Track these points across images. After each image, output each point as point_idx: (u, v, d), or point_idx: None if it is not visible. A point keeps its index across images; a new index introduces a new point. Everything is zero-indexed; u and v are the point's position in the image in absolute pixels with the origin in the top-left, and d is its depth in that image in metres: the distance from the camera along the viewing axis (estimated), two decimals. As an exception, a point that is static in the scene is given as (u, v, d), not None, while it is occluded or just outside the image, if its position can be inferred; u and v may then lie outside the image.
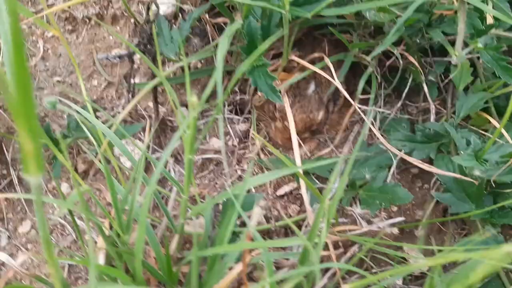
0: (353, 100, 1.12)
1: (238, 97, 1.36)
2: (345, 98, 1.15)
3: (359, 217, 1.07)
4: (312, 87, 1.23)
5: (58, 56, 1.42)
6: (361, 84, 1.14)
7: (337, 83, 1.08)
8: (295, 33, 1.14)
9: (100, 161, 0.92)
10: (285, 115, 1.22)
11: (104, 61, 1.32)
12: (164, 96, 1.33)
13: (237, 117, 1.38)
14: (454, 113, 1.20)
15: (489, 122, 1.16)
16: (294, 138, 1.16)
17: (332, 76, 1.12)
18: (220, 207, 1.06)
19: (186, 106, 1.38)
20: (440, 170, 1.05)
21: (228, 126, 1.37)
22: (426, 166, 1.04)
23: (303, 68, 1.18)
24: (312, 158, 1.27)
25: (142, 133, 1.30)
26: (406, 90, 1.24)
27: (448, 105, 1.26)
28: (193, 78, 1.27)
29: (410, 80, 1.25)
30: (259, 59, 1.04)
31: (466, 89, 1.20)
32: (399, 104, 1.25)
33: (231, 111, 1.38)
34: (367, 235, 1.05)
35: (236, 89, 1.36)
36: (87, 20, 1.45)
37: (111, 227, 0.93)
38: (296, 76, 1.14)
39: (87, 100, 1.11)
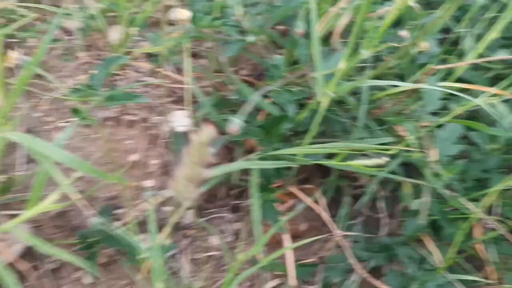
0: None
1: (232, 202, 1.64)
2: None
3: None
4: (301, 205, 1.55)
5: (73, 149, 1.61)
6: (342, 213, 1.47)
7: (324, 215, 1.40)
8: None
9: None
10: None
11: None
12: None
13: (230, 215, 1.66)
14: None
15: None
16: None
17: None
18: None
19: (193, 207, 1.64)
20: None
21: (226, 224, 1.64)
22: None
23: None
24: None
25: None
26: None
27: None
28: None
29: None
30: (270, 195, 1.34)
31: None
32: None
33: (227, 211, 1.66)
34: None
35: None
36: (106, 121, 1.66)
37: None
38: (294, 206, 1.45)
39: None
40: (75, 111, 1.07)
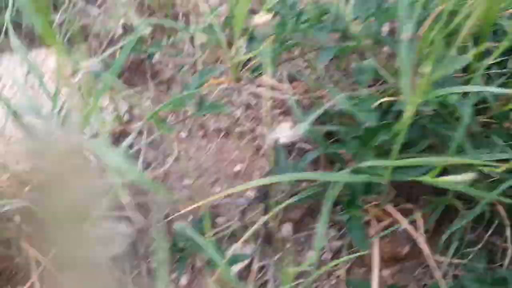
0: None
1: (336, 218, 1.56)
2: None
3: None
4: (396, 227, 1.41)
5: (189, 159, 1.74)
6: (444, 238, 1.29)
7: (420, 240, 1.24)
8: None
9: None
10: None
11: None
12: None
13: (333, 232, 1.59)
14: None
15: None
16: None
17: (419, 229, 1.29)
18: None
19: (292, 220, 1.63)
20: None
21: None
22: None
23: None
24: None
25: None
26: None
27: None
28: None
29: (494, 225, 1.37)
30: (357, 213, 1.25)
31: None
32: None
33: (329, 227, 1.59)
34: None
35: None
36: (218, 131, 1.75)
37: None
38: (387, 227, 1.32)
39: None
40: (156, 122, 1.17)
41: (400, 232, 1.40)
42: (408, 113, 1.12)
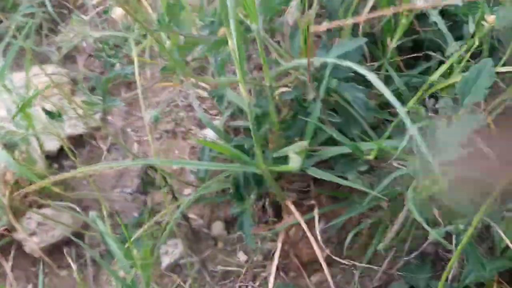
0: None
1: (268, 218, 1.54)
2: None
3: None
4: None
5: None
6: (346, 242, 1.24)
7: (313, 242, 1.20)
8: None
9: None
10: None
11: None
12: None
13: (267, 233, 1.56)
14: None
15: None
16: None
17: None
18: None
19: (224, 220, 1.61)
20: None
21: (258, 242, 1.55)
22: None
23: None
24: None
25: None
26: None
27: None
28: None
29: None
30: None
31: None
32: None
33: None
34: None
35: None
36: (166, 132, 1.78)
37: None
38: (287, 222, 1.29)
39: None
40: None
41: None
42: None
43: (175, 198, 1.44)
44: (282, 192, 1.31)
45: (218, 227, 1.58)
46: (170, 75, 1.67)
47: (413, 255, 1.24)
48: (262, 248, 1.54)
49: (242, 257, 1.54)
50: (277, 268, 1.50)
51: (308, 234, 1.19)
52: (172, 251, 1.55)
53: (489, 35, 1.14)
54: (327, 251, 1.24)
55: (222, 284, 1.49)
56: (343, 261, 1.31)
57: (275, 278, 1.46)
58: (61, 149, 1.68)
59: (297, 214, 1.22)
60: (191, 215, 1.58)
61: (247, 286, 1.46)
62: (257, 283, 1.46)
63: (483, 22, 1.07)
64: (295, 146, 1.09)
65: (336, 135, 1.13)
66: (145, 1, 1.43)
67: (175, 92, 1.79)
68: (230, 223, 1.63)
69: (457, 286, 1.17)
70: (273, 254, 1.53)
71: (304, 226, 1.20)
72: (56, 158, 1.70)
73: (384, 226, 1.27)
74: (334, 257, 1.27)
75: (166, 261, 1.52)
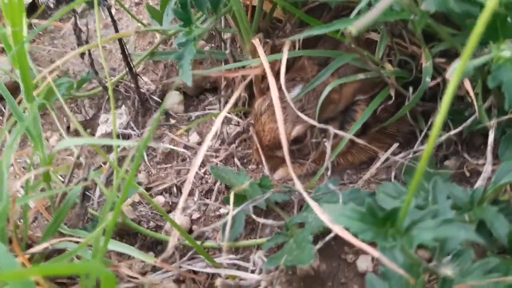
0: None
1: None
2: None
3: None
4: (296, 90, 0.99)
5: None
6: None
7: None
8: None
9: None
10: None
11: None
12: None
13: (234, 118, 1.20)
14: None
15: None
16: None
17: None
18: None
19: (179, 89, 1.26)
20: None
21: (220, 126, 1.20)
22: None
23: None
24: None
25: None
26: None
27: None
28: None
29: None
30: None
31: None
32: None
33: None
34: None
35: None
36: None
37: None
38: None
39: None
40: None
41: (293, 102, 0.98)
42: None
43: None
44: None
45: (173, 99, 1.24)
46: None
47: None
48: (221, 133, 1.19)
49: (194, 138, 1.20)
50: (235, 156, 1.16)
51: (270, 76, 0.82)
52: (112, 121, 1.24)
53: None
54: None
55: (160, 168, 1.16)
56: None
57: (226, 164, 1.12)
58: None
59: (261, 52, 0.85)
60: (144, 78, 1.25)
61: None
62: (203, 170, 1.12)
63: None
64: None
65: None
66: None
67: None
68: (190, 98, 1.29)
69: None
70: (233, 140, 1.18)
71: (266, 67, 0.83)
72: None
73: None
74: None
75: (101, 130, 1.21)
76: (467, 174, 1.01)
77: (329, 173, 0.88)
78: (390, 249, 0.57)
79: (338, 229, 0.63)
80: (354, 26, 0.55)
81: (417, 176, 0.52)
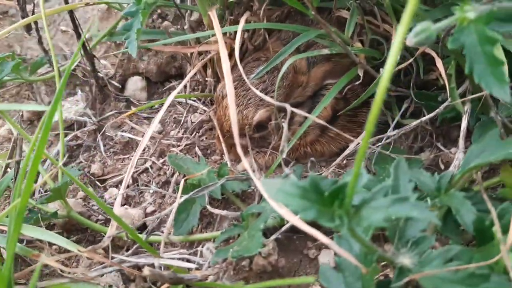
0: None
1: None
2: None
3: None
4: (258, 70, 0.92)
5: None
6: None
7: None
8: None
9: None
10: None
11: None
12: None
13: (201, 106, 1.12)
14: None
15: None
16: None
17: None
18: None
19: (139, 73, 1.18)
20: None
21: (185, 113, 1.12)
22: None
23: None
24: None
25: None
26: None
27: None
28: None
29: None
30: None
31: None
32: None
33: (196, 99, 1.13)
34: None
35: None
36: None
37: None
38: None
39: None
40: None
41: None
42: None
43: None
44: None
45: (135, 85, 1.16)
46: None
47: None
48: (185, 122, 1.11)
49: (155, 127, 1.11)
50: (197, 146, 1.08)
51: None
52: (68, 107, 1.16)
53: None
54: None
55: (117, 159, 1.07)
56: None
57: (188, 154, 1.04)
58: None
59: (217, 24, 0.77)
60: (103, 61, 1.17)
61: (146, 161, 1.04)
62: (161, 161, 1.04)
63: None
64: None
65: None
66: None
67: None
68: (154, 84, 1.21)
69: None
70: (197, 129, 1.10)
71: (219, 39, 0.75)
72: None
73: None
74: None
75: (56, 117, 1.13)
76: (442, 166, 0.94)
77: (283, 155, 0.80)
78: (337, 230, 0.49)
79: (284, 212, 0.55)
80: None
81: (367, 136, 0.44)
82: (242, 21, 0.81)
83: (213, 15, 0.82)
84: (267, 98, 0.83)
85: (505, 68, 0.51)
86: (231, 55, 1.00)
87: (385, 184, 0.51)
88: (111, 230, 0.73)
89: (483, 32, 0.52)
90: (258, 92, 0.84)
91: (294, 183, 0.49)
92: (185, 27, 0.93)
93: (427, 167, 0.97)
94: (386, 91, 0.44)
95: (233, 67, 0.99)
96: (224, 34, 0.91)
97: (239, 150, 0.70)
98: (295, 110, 0.80)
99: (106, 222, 0.97)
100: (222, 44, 0.79)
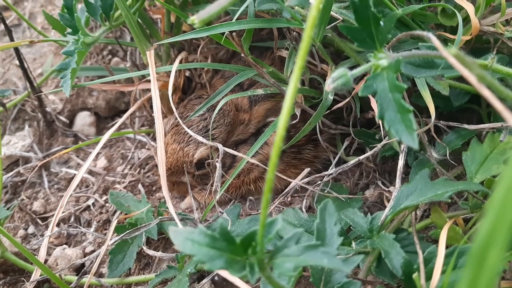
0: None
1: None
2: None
3: None
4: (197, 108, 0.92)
5: None
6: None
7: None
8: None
9: None
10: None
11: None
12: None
13: (148, 141, 1.11)
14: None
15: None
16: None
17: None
18: None
19: (88, 109, 1.17)
20: None
21: (133, 149, 1.11)
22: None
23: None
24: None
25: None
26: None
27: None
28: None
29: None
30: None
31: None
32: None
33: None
34: None
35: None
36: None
37: None
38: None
39: None
40: None
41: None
42: None
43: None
44: None
45: (84, 120, 1.15)
46: None
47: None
48: (132, 157, 1.09)
49: (101, 163, 1.10)
50: (140, 182, 1.06)
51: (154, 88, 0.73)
52: (15, 142, 1.14)
53: None
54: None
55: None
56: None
57: (132, 191, 1.02)
58: None
59: (152, 64, 0.77)
60: (51, 97, 1.16)
61: (88, 198, 1.02)
62: (104, 198, 1.02)
63: None
64: None
65: None
66: None
67: None
68: (104, 119, 1.20)
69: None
70: (142, 165, 1.08)
71: (152, 78, 0.75)
72: None
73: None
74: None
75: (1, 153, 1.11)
76: (386, 204, 0.94)
77: (217, 196, 0.79)
78: (249, 280, 0.48)
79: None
80: (197, 16, 0.47)
81: (270, 175, 0.44)
82: (177, 61, 0.82)
83: (150, 54, 0.82)
84: (200, 138, 0.83)
85: (412, 116, 0.51)
86: (176, 91, 1.01)
87: (297, 231, 0.50)
88: (35, 275, 0.70)
89: (393, 80, 0.53)
90: (190, 131, 0.83)
91: (203, 232, 0.48)
92: (127, 64, 0.93)
93: (373, 204, 0.98)
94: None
95: (180, 102, 0.99)
96: (169, 72, 0.91)
97: (165, 191, 0.69)
98: (227, 149, 0.79)
99: (47, 262, 0.95)
100: (155, 84, 0.78)
